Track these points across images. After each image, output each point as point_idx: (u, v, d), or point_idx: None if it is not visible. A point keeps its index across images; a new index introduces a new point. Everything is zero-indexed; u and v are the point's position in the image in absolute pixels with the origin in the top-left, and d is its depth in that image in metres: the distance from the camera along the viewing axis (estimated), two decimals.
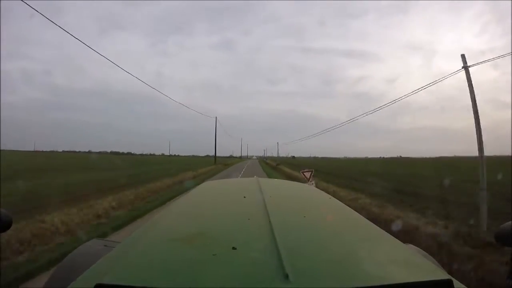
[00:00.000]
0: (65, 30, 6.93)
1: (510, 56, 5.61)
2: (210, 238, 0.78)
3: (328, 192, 1.75)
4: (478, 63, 5.96)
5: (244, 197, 1.21)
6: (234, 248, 0.69)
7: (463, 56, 5.98)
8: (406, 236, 4.64)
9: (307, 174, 8.52)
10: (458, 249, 4.19)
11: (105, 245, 1.39)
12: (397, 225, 5.19)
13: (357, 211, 1.20)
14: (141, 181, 13.08)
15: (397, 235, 0.95)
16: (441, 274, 0.68)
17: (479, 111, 5.65)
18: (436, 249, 4.11)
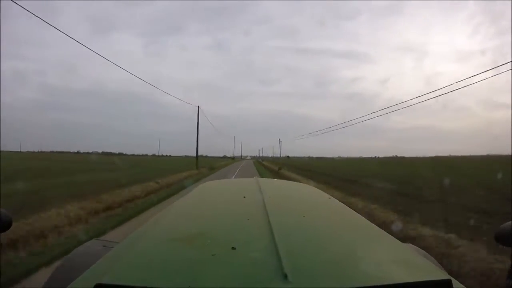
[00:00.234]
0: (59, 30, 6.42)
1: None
2: (210, 238, 0.78)
3: None
4: None
5: (244, 197, 1.22)
6: (233, 248, 0.70)
7: None
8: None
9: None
10: None
11: (104, 245, 1.39)
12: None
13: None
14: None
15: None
16: (440, 274, 0.68)
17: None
18: None
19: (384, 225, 5.50)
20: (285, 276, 0.57)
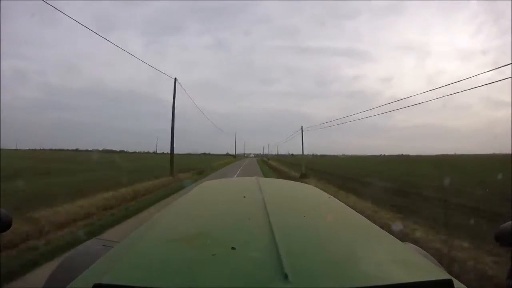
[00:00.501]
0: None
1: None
2: (210, 238, 0.79)
3: None
4: None
5: (244, 197, 1.22)
6: (233, 248, 0.70)
7: None
8: None
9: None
10: None
11: (104, 245, 1.40)
12: None
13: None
14: None
15: None
16: (441, 274, 0.69)
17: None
18: None
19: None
20: (286, 276, 0.57)
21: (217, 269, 0.63)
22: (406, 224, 5.97)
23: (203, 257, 0.68)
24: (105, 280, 0.59)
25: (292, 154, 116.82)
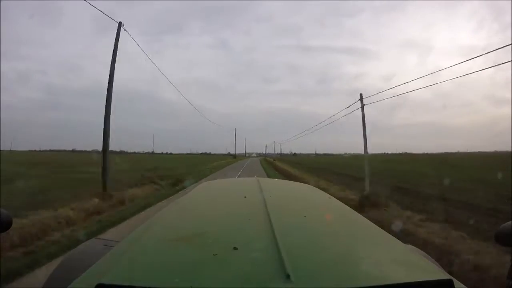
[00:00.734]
0: None
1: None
2: (211, 238, 0.80)
3: None
4: None
5: (245, 197, 1.24)
6: (235, 248, 0.71)
7: None
8: None
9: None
10: None
11: (105, 245, 1.41)
12: None
13: None
14: None
15: None
16: (441, 274, 0.70)
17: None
18: None
19: None
20: (287, 276, 0.58)
21: (219, 269, 0.65)
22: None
23: (204, 257, 0.69)
24: (107, 280, 0.60)
25: (294, 153, 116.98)
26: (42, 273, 3.71)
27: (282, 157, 78.10)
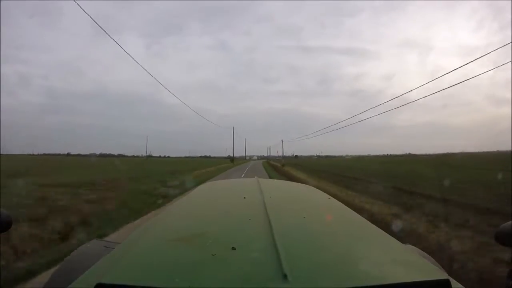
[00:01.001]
0: None
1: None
2: (210, 238, 0.80)
3: None
4: None
5: (244, 197, 1.26)
6: (233, 249, 0.72)
7: None
8: None
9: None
10: None
11: (105, 246, 1.43)
12: None
13: None
14: None
15: None
16: (439, 274, 0.70)
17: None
18: None
19: None
20: (285, 276, 0.59)
21: (217, 269, 0.65)
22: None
23: (203, 257, 0.70)
24: (106, 280, 0.60)
25: (296, 155, 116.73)
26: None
27: (285, 159, 75.46)
